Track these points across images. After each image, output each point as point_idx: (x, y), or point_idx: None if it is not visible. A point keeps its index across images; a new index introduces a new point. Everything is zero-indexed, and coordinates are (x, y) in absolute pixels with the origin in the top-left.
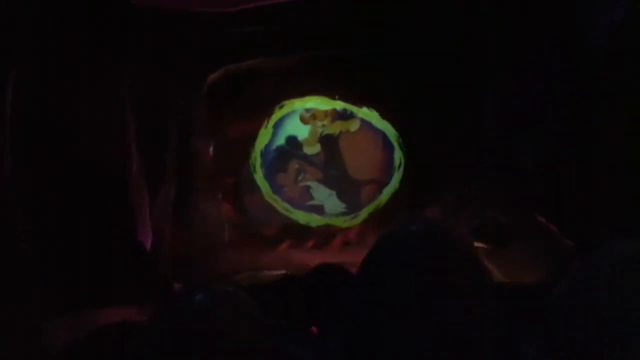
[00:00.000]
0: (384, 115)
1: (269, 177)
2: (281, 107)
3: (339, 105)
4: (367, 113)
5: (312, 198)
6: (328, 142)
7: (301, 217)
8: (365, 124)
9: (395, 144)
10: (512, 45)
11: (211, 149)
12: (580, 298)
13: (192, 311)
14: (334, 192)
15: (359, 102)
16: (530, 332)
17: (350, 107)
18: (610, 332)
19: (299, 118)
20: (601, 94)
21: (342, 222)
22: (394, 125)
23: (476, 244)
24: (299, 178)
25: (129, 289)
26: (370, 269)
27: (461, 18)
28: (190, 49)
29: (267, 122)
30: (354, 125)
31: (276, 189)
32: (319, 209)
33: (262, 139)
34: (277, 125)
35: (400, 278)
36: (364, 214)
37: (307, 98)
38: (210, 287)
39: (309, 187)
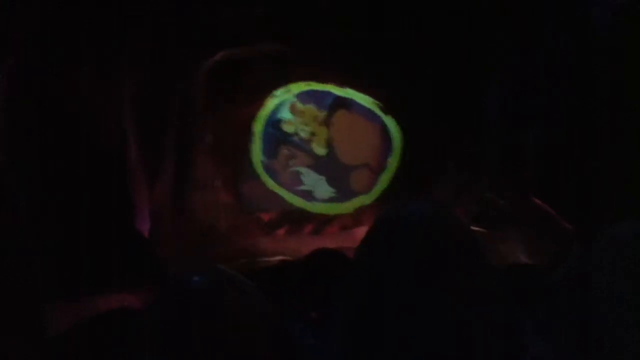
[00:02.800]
0: (381, 100)
1: (264, 162)
2: (278, 93)
3: (337, 90)
4: (364, 99)
5: (302, 183)
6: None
7: (300, 202)
8: (361, 110)
9: (393, 130)
10: (514, 30)
11: (209, 134)
12: (579, 280)
13: (191, 293)
14: (323, 178)
15: (357, 87)
16: (529, 313)
17: (349, 93)
18: (608, 314)
19: (289, 107)
20: (602, 79)
21: (339, 209)
22: (391, 110)
23: (476, 229)
24: (290, 163)
25: (128, 275)
26: (368, 251)
27: (463, 3)
28: (189, 33)
29: (264, 107)
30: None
31: (269, 174)
32: (308, 195)
33: (260, 124)
34: (274, 112)
35: (398, 260)
36: (362, 200)
37: (304, 83)
38: (209, 268)
39: (299, 172)
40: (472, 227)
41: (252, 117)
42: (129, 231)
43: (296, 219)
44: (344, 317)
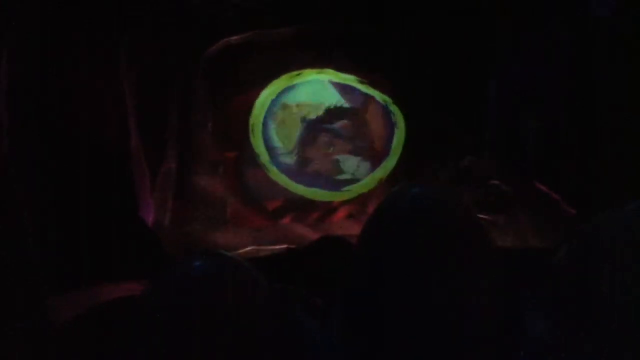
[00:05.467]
0: (384, 88)
1: (297, 150)
2: (284, 79)
3: (339, 78)
4: (367, 88)
5: (341, 171)
6: (354, 114)
7: (302, 191)
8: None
9: (396, 117)
10: (516, 15)
11: (211, 123)
12: (580, 261)
13: (193, 278)
14: (359, 158)
15: (359, 75)
16: (533, 296)
17: (350, 81)
18: (608, 294)
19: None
20: (602, 68)
21: (343, 196)
22: (394, 98)
23: (479, 215)
24: (330, 151)
25: (131, 265)
26: (371, 235)
27: None
28: (188, 22)
29: (264, 95)
30: None
31: (303, 162)
32: (349, 182)
33: (260, 112)
34: (277, 99)
35: (400, 243)
36: (366, 185)
37: (307, 71)
38: (210, 253)
39: (337, 161)
40: (479, 217)
41: (253, 104)
42: (131, 220)
43: (301, 207)
44: (345, 302)
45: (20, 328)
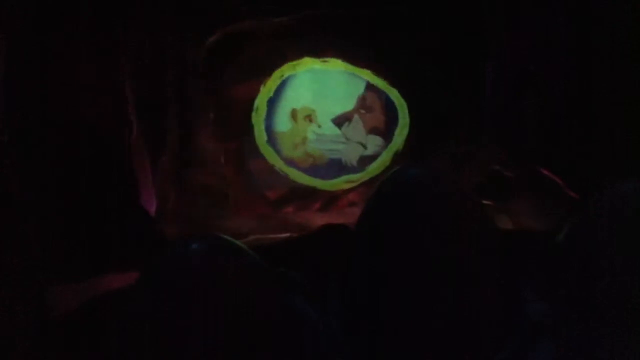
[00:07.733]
0: (386, 76)
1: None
2: (283, 70)
3: (340, 66)
4: (369, 75)
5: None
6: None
7: (306, 180)
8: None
9: (398, 104)
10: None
11: (212, 113)
12: (579, 242)
13: (190, 259)
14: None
15: (360, 62)
16: (529, 278)
17: (351, 68)
18: (608, 273)
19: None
20: (602, 46)
21: (345, 185)
22: (395, 85)
23: (480, 200)
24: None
25: (132, 255)
26: (368, 217)
27: None
28: (187, 11)
29: (265, 85)
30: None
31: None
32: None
33: (263, 102)
34: (280, 88)
35: (397, 225)
36: (367, 173)
37: (307, 59)
38: (208, 236)
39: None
40: (478, 198)
41: (255, 94)
42: (132, 211)
43: (303, 197)
44: (343, 285)
45: (19, 319)
